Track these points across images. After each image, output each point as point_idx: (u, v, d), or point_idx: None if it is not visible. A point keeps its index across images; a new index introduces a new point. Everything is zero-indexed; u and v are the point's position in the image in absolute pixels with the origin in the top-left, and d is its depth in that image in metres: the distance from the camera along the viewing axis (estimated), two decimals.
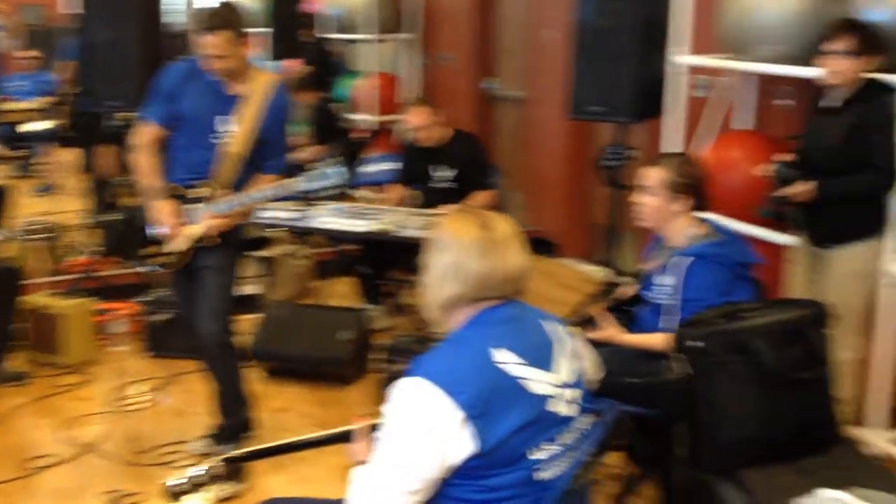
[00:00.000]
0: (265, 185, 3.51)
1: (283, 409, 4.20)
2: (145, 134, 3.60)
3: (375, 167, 6.08)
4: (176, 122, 3.57)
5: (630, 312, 3.42)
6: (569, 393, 2.09)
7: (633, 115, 4.04)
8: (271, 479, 3.52)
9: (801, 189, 3.44)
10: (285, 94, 3.62)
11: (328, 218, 4.80)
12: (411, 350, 4.11)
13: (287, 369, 4.51)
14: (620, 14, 4.09)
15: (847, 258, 3.48)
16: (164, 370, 4.57)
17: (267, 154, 3.58)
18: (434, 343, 4.08)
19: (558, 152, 6.30)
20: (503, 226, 2.12)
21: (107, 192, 6.15)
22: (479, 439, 1.94)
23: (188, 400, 4.33)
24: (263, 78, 3.56)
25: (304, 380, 4.49)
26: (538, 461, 2.03)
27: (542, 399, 2.04)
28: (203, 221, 3.53)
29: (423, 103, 5.07)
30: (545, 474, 2.04)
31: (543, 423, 2.03)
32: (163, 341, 4.77)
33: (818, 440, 2.59)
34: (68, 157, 7.66)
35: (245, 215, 3.65)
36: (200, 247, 3.57)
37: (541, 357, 2.08)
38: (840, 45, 3.35)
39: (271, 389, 4.38)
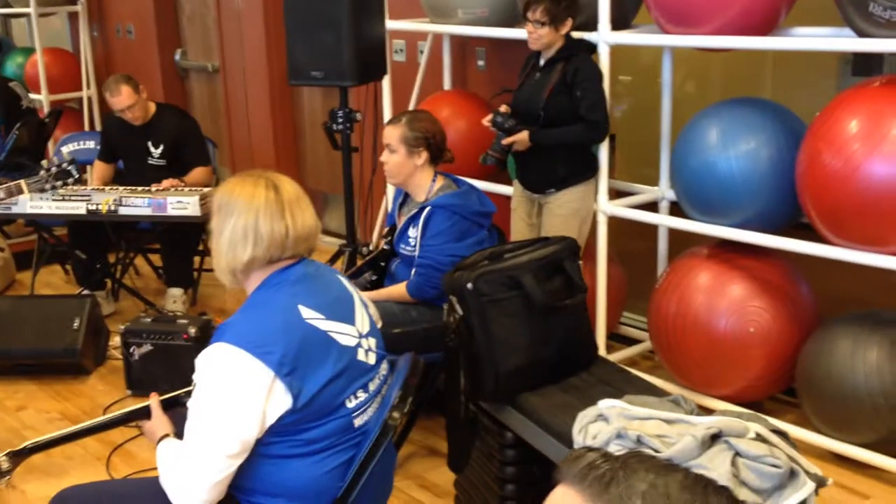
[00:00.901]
0: None
1: (20, 408, 3.92)
2: None
3: (72, 147, 5.73)
4: None
5: (385, 267, 3.58)
6: (368, 342, 2.20)
7: (355, 79, 4.13)
8: (30, 484, 3.30)
9: (515, 137, 3.73)
10: None
11: (34, 203, 4.48)
12: (149, 331, 4.00)
13: (11, 367, 4.19)
14: None
15: (561, 202, 3.83)
16: None
17: None
18: (170, 320, 4.03)
19: (261, 121, 6.29)
20: (289, 186, 2.18)
21: None
22: (292, 396, 2.00)
23: None
24: None
25: (33, 375, 4.20)
26: (355, 408, 2.12)
27: (352, 350, 2.13)
28: None
29: (123, 82, 4.79)
30: (360, 420, 2.14)
31: (354, 371, 2.13)
32: None
33: (582, 360, 2.89)
34: None
35: None
36: None
37: (343, 310, 2.17)
38: (534, 14, 3.66)
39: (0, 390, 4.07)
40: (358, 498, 2.13)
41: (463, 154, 4.05)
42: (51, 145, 6.24)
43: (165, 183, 4.65)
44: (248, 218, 2.10)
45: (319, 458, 2.10)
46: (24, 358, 4.20)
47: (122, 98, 4.73)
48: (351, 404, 2.12)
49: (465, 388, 2.77)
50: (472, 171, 4.10)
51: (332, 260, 4.31)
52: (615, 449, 2.27)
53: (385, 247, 3.60)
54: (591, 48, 3.77)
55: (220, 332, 2.06)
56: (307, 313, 2.08)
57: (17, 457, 2.21)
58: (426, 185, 3.45)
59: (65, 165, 3.16)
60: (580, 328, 2.90)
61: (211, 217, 2.18)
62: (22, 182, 3.12)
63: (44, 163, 3.21)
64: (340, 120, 4.25)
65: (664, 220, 3.96)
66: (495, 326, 2.71)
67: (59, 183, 3.14)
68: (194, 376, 2.05)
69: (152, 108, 4.94)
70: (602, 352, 3.91)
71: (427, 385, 3.28)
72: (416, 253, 3.37)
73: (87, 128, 7.21)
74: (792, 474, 2.16)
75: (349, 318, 2.17)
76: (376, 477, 2.17)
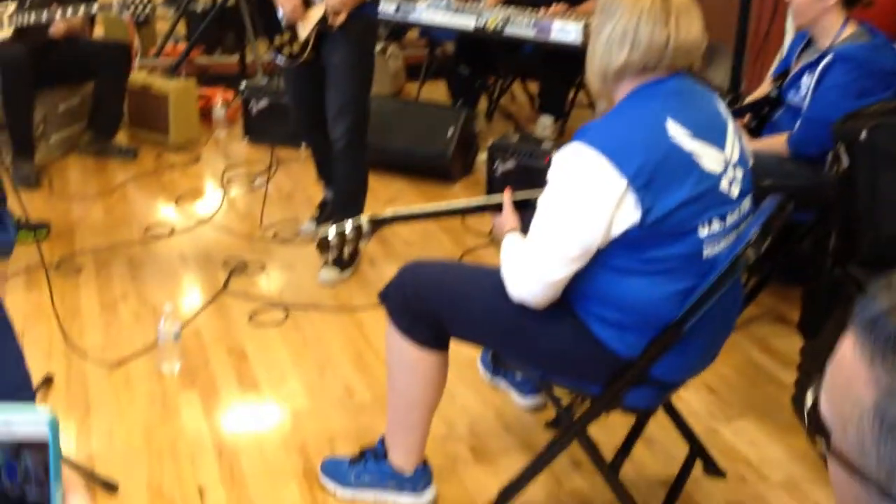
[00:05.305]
0: None
1: (390, 201, 4.16)
2: None
3: None
4: None
5: (767, 115, 3.31)
6: (735, 172, 2.02)
7: None
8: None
9: None
10: None
11: (427, 12, 4.61)
12: (514, 149, 4.05)
13: (387, 162, 4.40)
14: None
15: None
16: (264, 156, 4.36)
17: None
18: (535, 143, 4.05)
19: None
20: None
21: None
22: (642, 210, 1.88)
23: (294, 185, 4.32)
24: None
25: (406, 174, 4.43)
26: (707, 237, 1.97)
27: (714, 176, 1.96)
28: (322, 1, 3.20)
29: None
30: (710, 251, 1.99)
31: (712, 199, 1.97)
32: (261, 128, 4.75)
33: None
34: None
35: None
36: (325, 35, 3.25)
37: (714, 133, 2.00)
38: None
39: (375, 182, 4.31)
40: (693, 330, 2.01)
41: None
42: None
43: (555, 7, 4.59)
44: (630, 20, 1.97)
45: (659, 279, 1.99)
46: (399, 156, 4.42)
47: None
48: (703, 232, 1.98)
49: (835, 249, 2.50)
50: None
51: None
52: None
53: (772, 93, 3.30)
54: None
55: (581, 131, 1.99)
56: (674, 129, 1.94)
57: (378, 223, 2.30)
58: (834, 30, 3.08)
59: None
60: None
61: (596, 15, 2.08)
62: None
63: None
64: None
65: None
66: (884, 184, 2.40)
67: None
68: (548, 174, 2.01)
69: None
70: None
71: (790, 245, 3.05)
72: (806, 104, 3.06)
73: None
74: None
75: (719, 142, 2.00)
76: (714, 317, 2.03)
